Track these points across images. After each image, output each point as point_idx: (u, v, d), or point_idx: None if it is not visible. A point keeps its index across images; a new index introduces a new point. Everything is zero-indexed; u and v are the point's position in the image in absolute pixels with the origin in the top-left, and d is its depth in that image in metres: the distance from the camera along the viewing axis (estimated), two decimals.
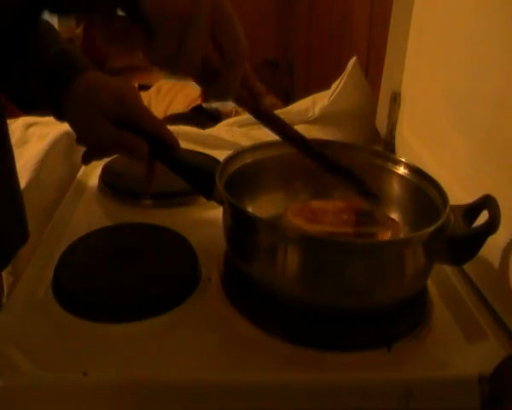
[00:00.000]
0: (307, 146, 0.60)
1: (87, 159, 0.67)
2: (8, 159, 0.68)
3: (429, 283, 0.60)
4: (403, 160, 0.65)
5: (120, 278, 0.60)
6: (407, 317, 0.56)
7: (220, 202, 0.60)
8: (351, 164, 0.67)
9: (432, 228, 0.51)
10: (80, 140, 0.65)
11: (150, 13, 0.46)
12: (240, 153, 0.65)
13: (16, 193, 0.69)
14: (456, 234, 0.54)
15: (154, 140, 0.62)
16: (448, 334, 0.56)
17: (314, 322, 0.54)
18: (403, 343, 0.53)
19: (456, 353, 0.54)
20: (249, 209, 0.64)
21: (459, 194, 0.64)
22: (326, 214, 0.62)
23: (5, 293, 0.72)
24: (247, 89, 0.55)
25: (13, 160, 0.68)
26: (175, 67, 0.48)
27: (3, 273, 0.72)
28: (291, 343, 0.52)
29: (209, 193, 0.61)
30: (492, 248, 0.55)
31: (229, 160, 0.63)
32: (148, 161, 0.64)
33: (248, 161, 0.65)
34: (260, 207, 0.65)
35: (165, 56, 0.47)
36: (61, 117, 0.65)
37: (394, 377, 0.51)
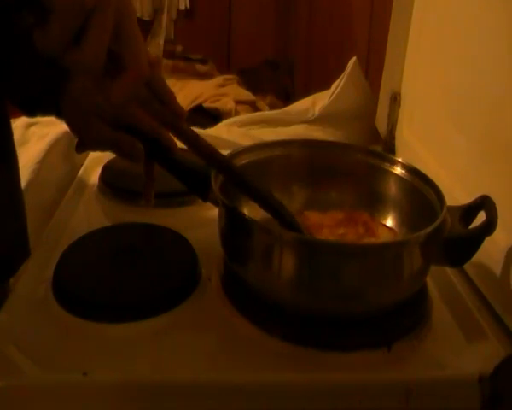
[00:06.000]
0: (231, 172, 0.58)
1: (80, 148, 0.66)
2: (14, 162, 0.68)
3: (429, 283, 0.60)
4: (400, 160, 0.64)
5: (120, 278, 0.60)
6: (407, 317, 0.56)
7: (216, 204, 0.60)
8: (348, 164, 0.67)
9: (428, 230, 0.51)
10: (80, 146, 0.64)
11: None
12: (236, 154, 0.64)
13: (19, 199, 0.69)
14: (453, 235, 0.54)
15: (151, 142, 0.62)
16: (448, 334, 0.56)
17: (313, 323, 0.54)
18: (403, 343, 0.53)
19: (456, 353, 0.54)
20: (245, 211, 0.63)
21: (459, 194, 0.64)
22: (321, 229, 0.60)
23: None
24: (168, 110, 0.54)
25: (17, 165, 0.68)
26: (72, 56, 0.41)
27: None
28: (291, 343, 0.52)
29: (205, 194, 0.61)
30: (492, 247, 0.55)
31: None
32: (146, 164, 0.64)
33: (245, 162, 0.65)
34: (257, 210, 0.65)
35: (59, 41, 0.40)
36: (60, 115, 0.65)
37: (394, 377, 0.51)
